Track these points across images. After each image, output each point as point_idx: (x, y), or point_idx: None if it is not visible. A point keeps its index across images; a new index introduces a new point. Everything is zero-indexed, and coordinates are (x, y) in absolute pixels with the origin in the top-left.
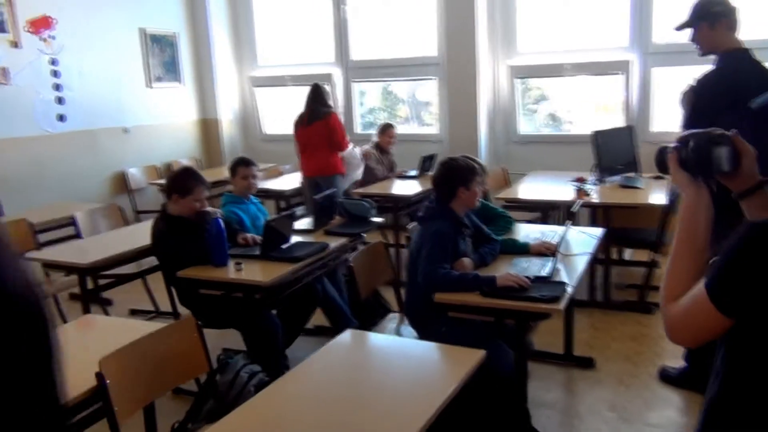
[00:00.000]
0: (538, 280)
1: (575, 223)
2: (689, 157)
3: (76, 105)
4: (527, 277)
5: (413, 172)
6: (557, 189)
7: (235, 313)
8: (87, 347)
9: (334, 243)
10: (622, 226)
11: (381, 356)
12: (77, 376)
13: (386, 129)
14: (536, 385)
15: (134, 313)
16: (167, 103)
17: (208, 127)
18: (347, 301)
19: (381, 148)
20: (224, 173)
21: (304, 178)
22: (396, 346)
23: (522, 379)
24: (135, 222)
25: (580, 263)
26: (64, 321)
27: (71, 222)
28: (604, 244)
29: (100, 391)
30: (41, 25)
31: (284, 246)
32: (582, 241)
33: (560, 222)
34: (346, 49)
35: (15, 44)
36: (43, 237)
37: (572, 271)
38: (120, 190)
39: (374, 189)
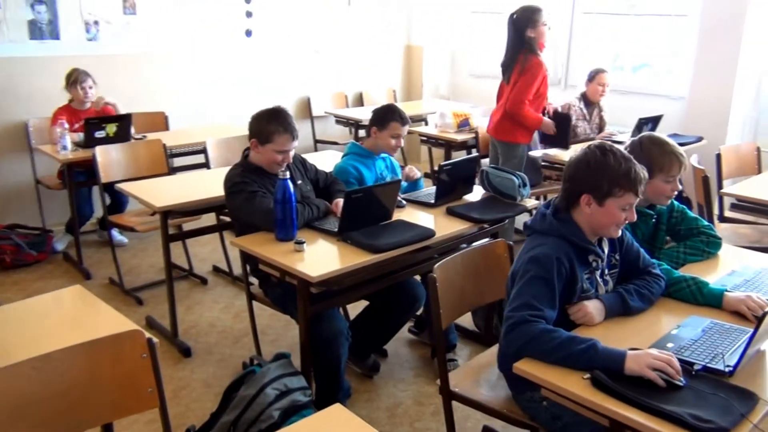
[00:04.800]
0: (706, 374)
1: None
2: None
3: (265, 19)
4: (687, 363)
5: (625, 136)
6: None
7: (294, 304)
8: None
9: (450, 230)
10: None
11: None
12: None
13: (596, 75)
14: None
15: (216, 270)
16: (368, 23)
17: (411, 54)
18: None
19: (587, 100)
20: (423, 107)
21: None
22: None
23: None
24: (312, 151)
25: None
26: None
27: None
28: None
29: None
30: None
31: (384, 223)
32: None
33: None
34: None
35: None
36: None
37: None
38: (304, 115)
39: (564, 155)
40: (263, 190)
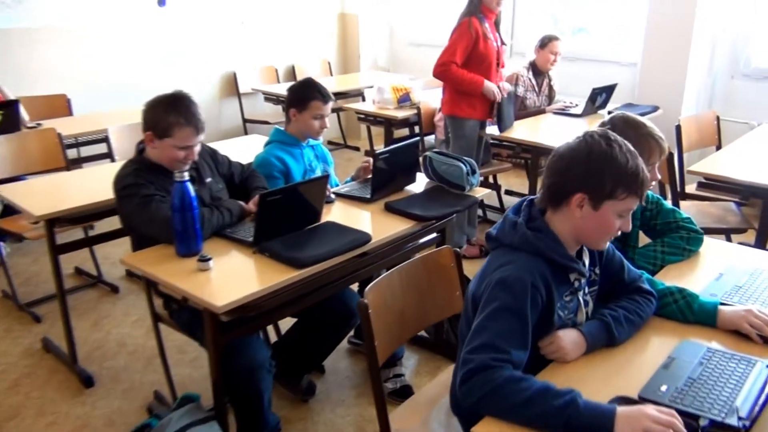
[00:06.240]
0: (714, 430)
1: None
2: None
3: None
4: (690, 415)
5: (577, 109)
6: None
7: (203, 330)
8: None
9: (390, 231)
10: None
11: None
12: None
13: (549, 42)
14: None
15: (130, 275)
16: None
17: (346, 23)
18: None
19: (536, 69)
20: (360, 80)
21: None
22: None
23: None
24: (242, 134)
25: None
26: None
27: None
28: None
29: None
30: None
31: (311, 227)
32: None
33: None
34: None
35: None
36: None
37: None
38: (230, 92)
39: (513, 131)
40: (161, 194)
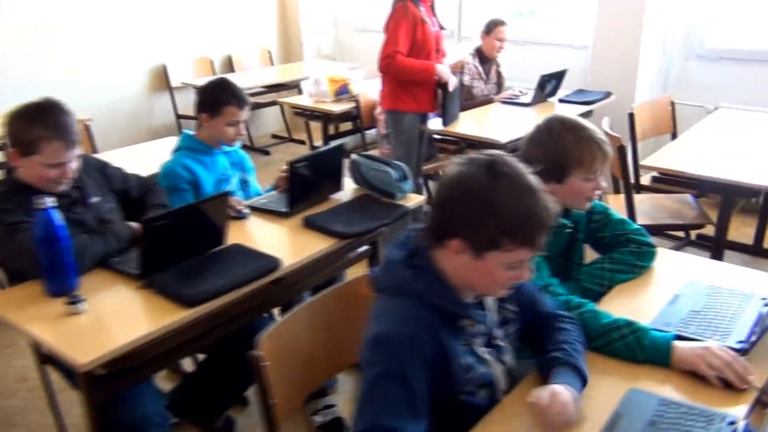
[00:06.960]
0: None
1: None
2: None
3: None
4: None
5: (526, 97)
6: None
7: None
8: None
9: (308, 252)
10: None
11: None
12: None
13: (494, 28)
14: None
15: None
16: None
17: (285, 8)
18: None
19: (483, 56)
20: (304, 70)
21: None
22: None
23: None
24: (176, 132)
25: None
26: None
27: None
28: None
29: None
30: None
31: (213, 251)
32: None
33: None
34: None
35: None
36: None
37: None
38: (160, 86)
39: (458, 124)
40: (32, 220)
